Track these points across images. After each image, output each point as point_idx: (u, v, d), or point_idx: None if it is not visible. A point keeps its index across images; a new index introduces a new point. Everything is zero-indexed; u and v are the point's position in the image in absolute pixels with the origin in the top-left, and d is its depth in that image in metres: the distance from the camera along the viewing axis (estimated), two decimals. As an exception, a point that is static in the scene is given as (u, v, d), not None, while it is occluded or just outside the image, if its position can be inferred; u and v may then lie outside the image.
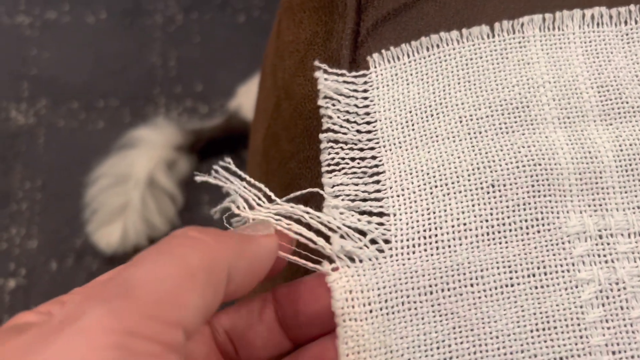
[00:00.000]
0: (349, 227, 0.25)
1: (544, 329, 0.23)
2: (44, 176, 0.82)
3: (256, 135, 0.37)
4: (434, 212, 0.25)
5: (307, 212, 0.24)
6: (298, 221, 0.24)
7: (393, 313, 0.23)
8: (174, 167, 0.80)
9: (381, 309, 0.24)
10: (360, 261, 0.24)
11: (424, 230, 0.24)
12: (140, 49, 0.89)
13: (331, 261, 0.24)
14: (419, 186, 0.25)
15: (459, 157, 0.25)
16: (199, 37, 0.90)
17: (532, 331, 0.23)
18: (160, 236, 0.78)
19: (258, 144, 0.36)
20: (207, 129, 0.82)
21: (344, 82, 0.28)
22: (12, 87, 0.87)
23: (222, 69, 0.88)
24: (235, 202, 0.24)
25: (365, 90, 0.28)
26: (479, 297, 0.23)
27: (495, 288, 0.23)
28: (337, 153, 0.27)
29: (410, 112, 0.27)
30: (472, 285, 0.23)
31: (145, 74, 0.87)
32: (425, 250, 0.24)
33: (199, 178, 0.25)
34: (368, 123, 0.27)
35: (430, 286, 0.24)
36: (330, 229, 0.25)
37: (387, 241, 0.25)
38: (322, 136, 0.27)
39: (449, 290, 0.24)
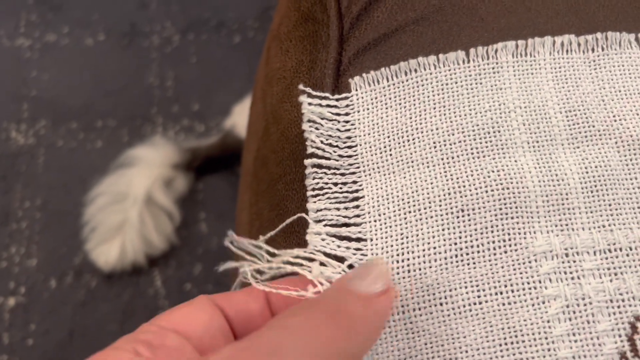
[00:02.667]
0: (329, 254, 0.26)
1: (512, 343, 0.24)
2: (43, 195, 0.83)
3: (248, 156, 0.38)
4: (407, 237, 0.26)
5: (297, 257, 0.26)
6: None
7: None
8: (171, 184, 0.81)
9: None
10: None
11: (397, 255, 0.26)
12: (137, 69, 0.90)
13: (315, 286, 0.26)
14: (394, 212, 0.26)
15: (431, 183, 0.26)
16: (195, 58, 0.91)
17: (500, 345, 0.24)
18: (158, 253, 0.79)
19: (249, 165, 0.37)
20: (203, 147, 0.83)
21: (327, 105, 0.29)
22: (12, 108, 0.88)
23: (218, 88, 0.89)
24: (247, 272, 0.26)
25: (347, 114, 0.28)
26: (448, 315, 0.24)
27: (464, 306, 0.24)
28: (320, 178, 0.27)
29: (389, 137, 0.28)
30: (441, 304, 0.24)
31: (142, 94, 0.88)
32: (398, 273, 0.25)
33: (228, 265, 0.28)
34: (349, 147, 0.28)
35: (403, 306, 0.25)
36: (312, 259, 0.26)
37: None
38: (306, 162, 0.28)
39: (420, 309, 0.25)
